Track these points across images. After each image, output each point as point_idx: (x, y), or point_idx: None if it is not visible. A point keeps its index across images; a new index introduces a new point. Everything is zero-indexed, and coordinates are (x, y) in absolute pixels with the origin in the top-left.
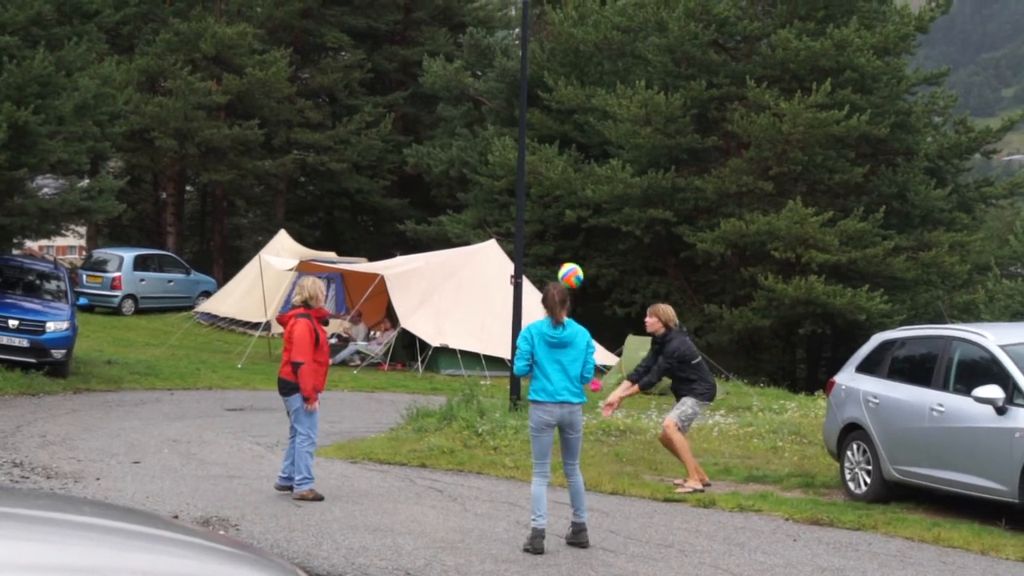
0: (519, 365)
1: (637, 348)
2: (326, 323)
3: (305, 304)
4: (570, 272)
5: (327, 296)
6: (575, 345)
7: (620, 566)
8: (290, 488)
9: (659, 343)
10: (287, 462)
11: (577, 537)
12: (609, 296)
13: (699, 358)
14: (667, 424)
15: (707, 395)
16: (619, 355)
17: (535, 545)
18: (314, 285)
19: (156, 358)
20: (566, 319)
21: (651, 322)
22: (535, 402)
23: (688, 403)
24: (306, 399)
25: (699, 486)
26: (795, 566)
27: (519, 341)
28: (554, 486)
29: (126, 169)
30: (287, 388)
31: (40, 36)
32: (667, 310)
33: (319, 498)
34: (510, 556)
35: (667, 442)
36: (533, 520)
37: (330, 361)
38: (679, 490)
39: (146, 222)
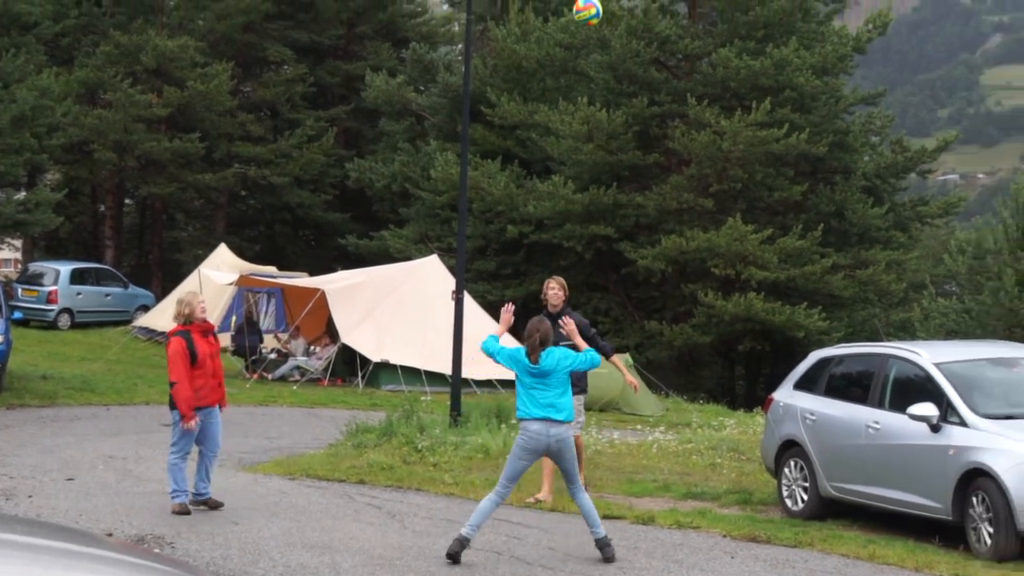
0: (499, 359)
1: None
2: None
3: (185, 320)
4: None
5: (266, 311)
6: (555, 374)
7: None
8: (205, 503)
9: (553, 317)
10: (195, 477)
11: (604, 552)
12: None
13: None
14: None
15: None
16: None
17: (454, 550)
18: (189, 299)
19: (92, 373)
20: (542, 355)
21: (559, 293)
22: (524, 420)
23: (582, 410)
24: (182, 416)
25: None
26: None
27: (504, 359)
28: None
29: (64, 182)
30: (170, 403)
31: None
32: (563, 282)
33: (185, 512)
34: (448, 573)
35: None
36: (464, 528)
37: (223, 377)
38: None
39: (84, 235)
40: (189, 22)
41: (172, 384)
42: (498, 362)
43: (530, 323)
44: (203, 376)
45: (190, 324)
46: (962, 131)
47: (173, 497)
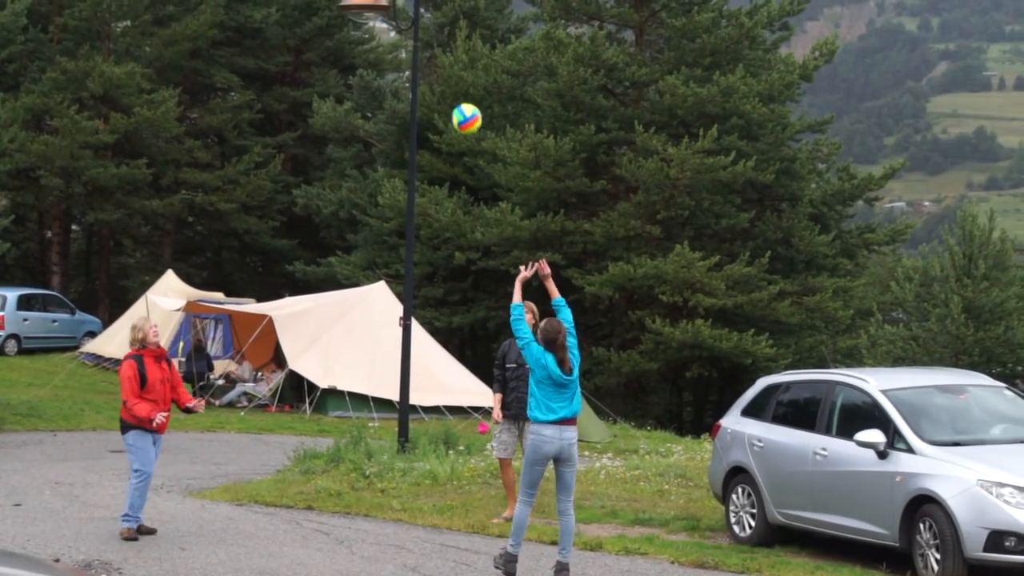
0: (522, 345)
1: None
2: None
3: (140, 344)
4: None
5: (214, 338)
6: (573, 385)
7: None
8: (150, 530)
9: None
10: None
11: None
12: (498, 339)
13: None
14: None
15: None
16: None
17: (508, 569)
18: (141, 324)
19: (39, 399)
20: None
21: (530, 319)
22: (539, 423)
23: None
24: (150, 421)
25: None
26: None
27: (531, 355)
28: (405, 523)
29: (10, 208)
30: (123, 427)
31: None
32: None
33: (133, 538)
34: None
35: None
36: (509, 545)
37: (171, 405)
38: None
39: (30, 261)
40: (136, 48)
41: (123, 403)
42: (518, 335)
43: (549, 324)
44: (152, 401)
45: (143, 349)
46: (908, 159)
47: (124, 522)
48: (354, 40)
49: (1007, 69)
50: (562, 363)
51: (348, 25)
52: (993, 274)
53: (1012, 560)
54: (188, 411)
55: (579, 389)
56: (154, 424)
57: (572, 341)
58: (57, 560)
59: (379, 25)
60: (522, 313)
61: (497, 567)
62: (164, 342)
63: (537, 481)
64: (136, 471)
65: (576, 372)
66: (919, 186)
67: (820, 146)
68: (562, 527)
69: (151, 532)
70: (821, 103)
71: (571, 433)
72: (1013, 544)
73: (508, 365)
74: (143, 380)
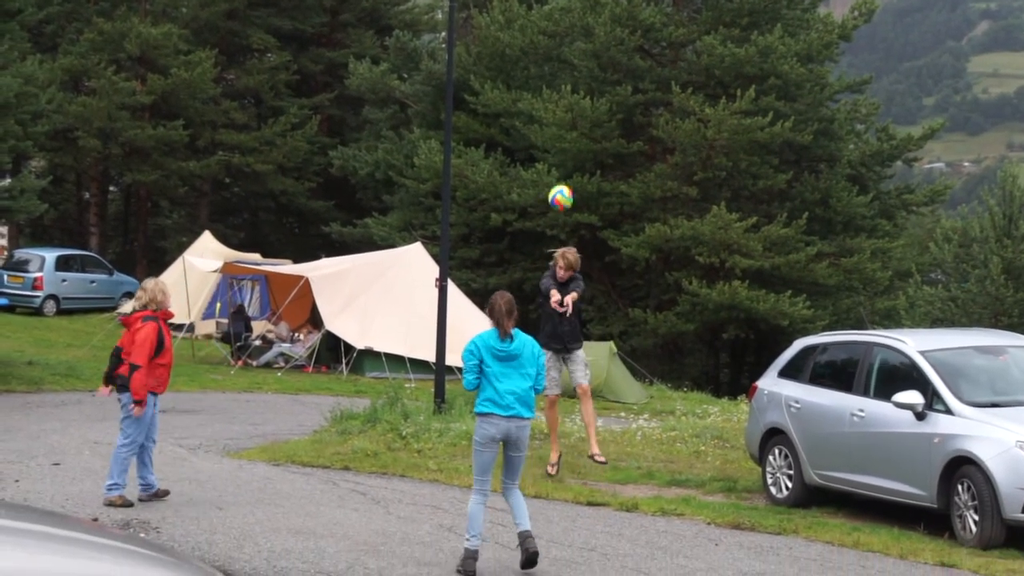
0: (468, 379)
1: None
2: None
3: (157, 307)
4: (558, 196)
5: (251, 299)
6: (524, 357)
7: (543, 570)
8: (154, 495)
9: (564, 285)
10: (139, 469)
11: (526, 544)
12: (534, 300)
13: None
14: (585, 390)
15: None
16: None
17: (467, 567)
18: (155, 287)
19: (78, 359)
20: (514, 330)
21: (566, 266)
22: (482, 414)
23: (585, 366)
24: (136, 402)
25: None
26: (716, 570)
27: (464, 355)
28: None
29: (49, 169)
30: (123, 386)
31: None
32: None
33: (128, 504)
34: (433, 559)
35: (585, 409)
36: (467, 540)
37: (172, 363)
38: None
39: (69, 222)
40: (172, 9)
41: (135, 367)
42: (471, 369)
43: (494, 297)
44: (165, 364)
45: (158, 311)
46: (948, 119)
47: (111, 490)
48: (390, 1)
49: None
50: (504, 334)
51: None
52: None
53: None
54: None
55: (531, 370)
56: (135, 408)
57: (529, 350)
58: (96, 519)
59: None
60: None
61: (459, 571)
62: (201, 303)
63: (489, 467)
64: (127, 439)
65: (521, 342)
66: (959, 147)
67: (859, 106)
68: (511, 506)
69: (165, 494)
70: (860, 63)
71: (522, 423)
72: None
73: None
74: (160, 344)
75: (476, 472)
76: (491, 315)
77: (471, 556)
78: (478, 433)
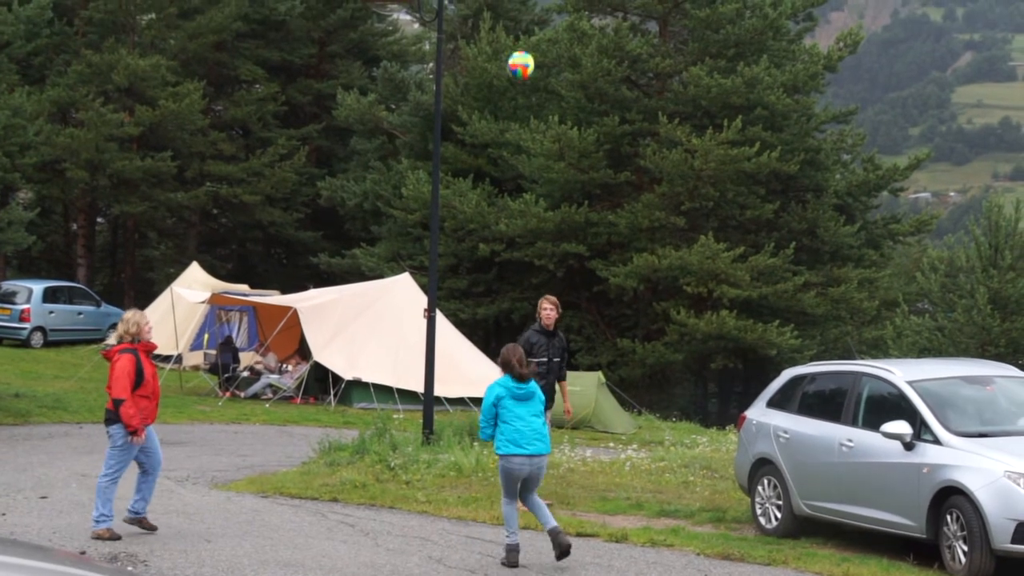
0: (485, 432)
1: None
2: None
3: (132, 338)
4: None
5: (239, 330)
6: (536, 397)
7: None
8: (139, 522)
9: (550, 336)
10: (135, 495)
11: (559, 539)
12: (523, 330)
13: None
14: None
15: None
16: None
17: (511, 559)
18: (132, 317)
19: (65, 391)
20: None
21: (553, 314)
22: (507, 455)
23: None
24: (132, 433)
25: None
26: None
27: (486, 406)
28: (430, 515)
29: (36, 200)
30: (109, 419)
31: None
32: (557, 302)
33: (116, 537)
34: (500, 567)
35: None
36: (507, 537)
37: (159, 394)
38: None
39: (56, 254)
40: (161, 41)
41: (118, 402)
42: (488, 420)
43: (506, 349)
44: (146, 397)
45: (137, 343)
46: (933, 149)
47: (99, 522)
48: (378, 32)
49: None
50: (520, 377)
51: (372, 17)
52: (1019, 264)
53: None
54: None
55: (541, 407)
56: (135, 440)
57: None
58: (83, 553)
59: (403, 17)
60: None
61: (503, 563)
62: (188, 334)
63: (516, 489)
64: (109, 470)
65: (534, 389)
66: (944, 176)
67: (845, 137)
68: (535, 509)
69: (152, 528)
70: (846, 94)
71: (541, 460)
72: None
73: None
74: (139, 376)
75: (505, 494)
76: (507, 366)
77: (513, 549)
78: (505, 475)
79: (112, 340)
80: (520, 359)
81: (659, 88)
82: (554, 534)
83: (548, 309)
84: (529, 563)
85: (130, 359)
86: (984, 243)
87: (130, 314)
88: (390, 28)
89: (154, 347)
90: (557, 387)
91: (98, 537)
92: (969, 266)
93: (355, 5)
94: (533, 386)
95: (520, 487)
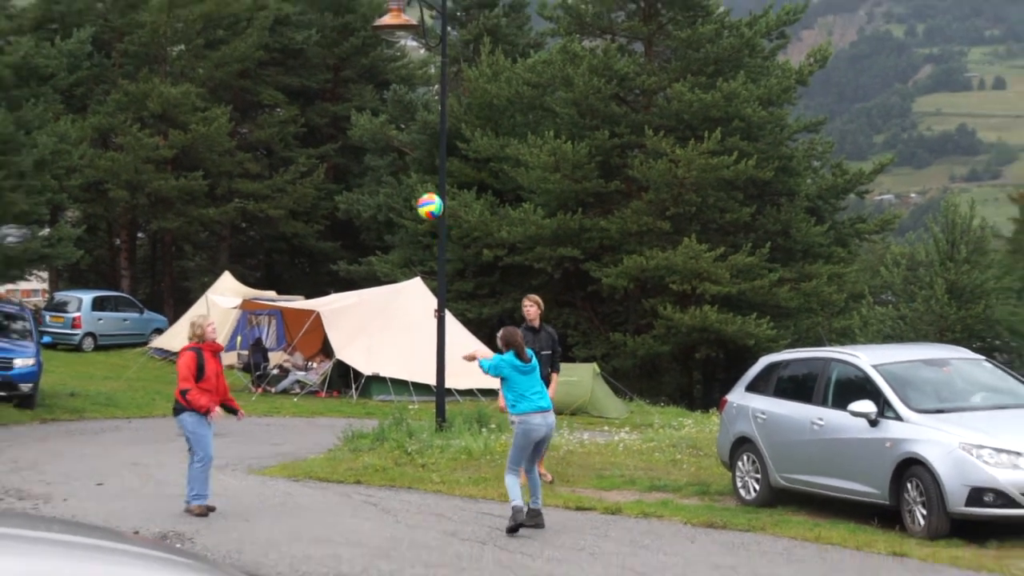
0: (485, 364)
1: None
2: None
3: (199, 339)
4: (428, 204)
5: (268, 332)
6: (537, 371)
7: (537, 568)
8: (211, 508)
9: (536, 332)
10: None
11: (535, 519)
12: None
13: None
14: None
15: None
16: None
17: (517, 518)
18: (201, 321)
19: (115, 390)
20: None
21: (534, 311)
22: (523, 413)
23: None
24: (207, 413)
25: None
26: (692, 565)
27: (499, 368)
28: (444, 494)
29: (82, 218)
30: (178, 410)
31: (0, 98)
32: (540, 300)
33: (205, 512)
34: (439, 561)
35: None
36: (513, 502)
37: (227, 393)
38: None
39: (102, 266)
40: (190, 70)
41: (184, 391)
42: (493, 375)
43: (507, 331)
44: (207, 391)
45: (202, 343)
46: (896, 155)
47: (195, 499)
48: (387, 58)
49: (986, 70)
50: (520, 355)
51: (382, 44)
52: (973, 258)
53: (991, 514)
54: (231, 411)
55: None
56: (211, 416)
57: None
58: (136, 532)
59: (410, 43)
60: (491, 366)
61: (509, 527)
62: (223, 337)
63: (523, 458)
64: (199, 456)
65: (535, 363)
66: (906, 179)
67: (815, 145)
68: (531, 481)
69: (212, 509)
70: (815, 105)
71: (552, 419)
72: (992, 499)
73: None
74: (200, 371)
75: (512, 462)
76: (511, 344)
77: (519, 510)
78: (523, 435)
79: (156, 343)
80: (522, 340)
81: (645, 104)
82: (535, 514)
83: (528, 307)
84: (531, 533)
85: (192, 355)
86: (942, 239)
87: (196, 318)
88: (398, 54)
89: (219, 347)
90: (550, 378)
91: (191, 512)
92: (928, 260)
93: (366, 33)
94: (535, 363)
95: (531, 455)
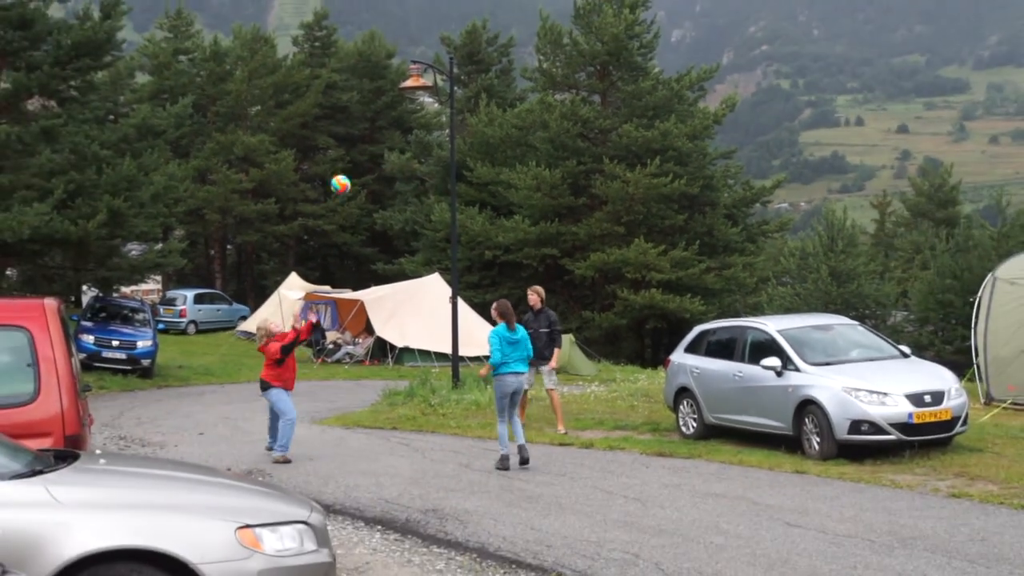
0: (495, 356)
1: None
2: (294, 342)
3: (270, 336)
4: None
5: (325, 316)
6: (523, 341)
7: (531, 490)
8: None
9: (537, 314)
10: (272, 438)
11: (523, 452)
12: (516, 310)
13: None
14: (551, 392)
15: (560, 346)
16: None
17: (504, 464)
18: (262, 324)
19: (211, 363)
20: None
21: (536, 299)
22: (502, 375)
23: (554, 375)
24: (279, 360)
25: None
26: (648, 484)
27: (493, 341)
28: (459, 436)
29: (186, 236)
30: (264, 386)
31: (126, 149)
32: (541, 290)
33: (287, 461)
34: (456, 486)
35: (553, 401)
36: (502, 449)
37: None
38: (561, 431)
39: (201, 271)
40: (264, 124)
41: (277, 361)
42: (497, 359)
43: (500, 304)
44: (289, 369)
45: (273, 336)
46: (788, 174)
47: (280, 450)
48: (410, 110)
49: (850, 112)
50: (509, 325)
51: (406, 101)
52: (848, 249)
53: (866, 439)
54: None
55: (528, 346)
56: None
57: (525, 334)
58: (229, 469)
59: (427, 100)
60: (492, 353)
61: (498, 468)
62: (291, 322)
63: (506, 408)
64: (288, 418)
65: (521, 334)
66: (796, 192)
67: (729, 168)
68: (514, 426)
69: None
70: (728, 139)
71: (521, 378)
72: (867, 429)
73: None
74: (284, 352)
75: (499, 413)
76: (502, 315)
77: (505, 457)
78: (499, 390)
79: (243, 326)
80: (512, 313)
81: (602, 140)
82: (521, 449)
83: (530, 295)
84: (531, 466)
85: (276, 346)
86: (824, 236)
87: (260, 323)
88: (419, 108)
89: (289, 335)
90: (551, 350)
91: (276, 461)
92: (815, 252)
93: (394, 93)
94: (520, 333)
95: (511, 404)
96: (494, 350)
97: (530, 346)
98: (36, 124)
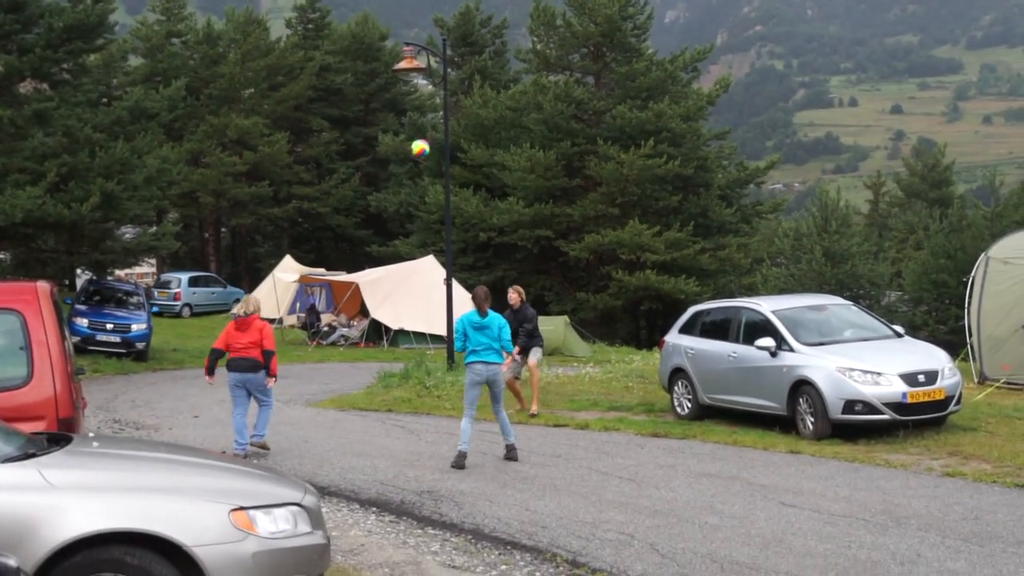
0: (458, 344)
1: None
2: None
3: (258, 309)
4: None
5: (319, 299)
6: (492, 327)
7: (525, 471)
8: (262, 445)
9: (515, 312)
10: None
11: (510, 453)
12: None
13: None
14: (533, 365)
15: (542, 344)
16: None
17: (458, 462)
18: (253, 298)
19: (206, 346)
20: (488, 310)
21: (515, 297)
22: (470, 363)
23: (539, 352)
24: (273, 376)
25: (536, 411)
26: (643, 464)
27: (456, 327)
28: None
29: (180, 218)
30: (254, 368)
31: (119, 132)
32: (521, 289)
33: (267, 448)
34: (450, 468)
35: (532, 377)
36: (461, 445)
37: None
38: (532, 411)
39: (195, 254)
40: (258, 106)
41: (270, 353)
42: (458, 339)
43: (475, 291)
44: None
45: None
46: (782, 155)
47: (261, 436)
48: (404, 92)
49: (844, 93)
50: (480, 311)
51: (400, 82)
52: (841, 230)
53: (860, 419)
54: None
55: (497, 343)
56: (271, 380)
57: (505, 326)
58: (223, 452)
59: (420, 81)
60: (460, 336)
61: (453, 466)
62: (286, 304)
63: (474, 401)
64: (269, 404)
65: (490, 321)
66: (790, 173)
67: (723, 149)
68: (500, 423)
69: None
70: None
71: (493, 368)
72: (861, 408)
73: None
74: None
75: (467, 404)
76: (474, 300)
77: (462, 455)
78: (468, 378)
79: (236, 309)
80: (484, 298)
81: (596, 121)
82: (509, 448)
83: (511, 295)
84: (520, 444)
85: (270, 331)
86: (818, 216)
87: (253, 296)
88: (412, 89)
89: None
90: (527, 346)
91: (260, 446)
92: (809, 232)
93: (387, 75)
94: (490, 319)
95: (491, 398)
96: (456, 337)
97: (505, 334)
98: (28, 107)
